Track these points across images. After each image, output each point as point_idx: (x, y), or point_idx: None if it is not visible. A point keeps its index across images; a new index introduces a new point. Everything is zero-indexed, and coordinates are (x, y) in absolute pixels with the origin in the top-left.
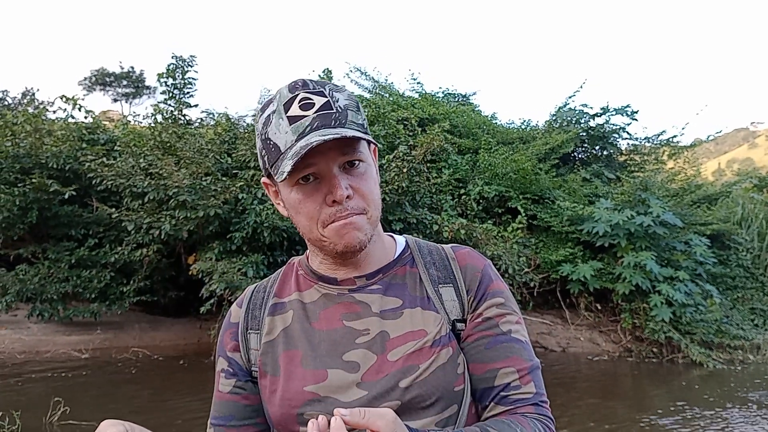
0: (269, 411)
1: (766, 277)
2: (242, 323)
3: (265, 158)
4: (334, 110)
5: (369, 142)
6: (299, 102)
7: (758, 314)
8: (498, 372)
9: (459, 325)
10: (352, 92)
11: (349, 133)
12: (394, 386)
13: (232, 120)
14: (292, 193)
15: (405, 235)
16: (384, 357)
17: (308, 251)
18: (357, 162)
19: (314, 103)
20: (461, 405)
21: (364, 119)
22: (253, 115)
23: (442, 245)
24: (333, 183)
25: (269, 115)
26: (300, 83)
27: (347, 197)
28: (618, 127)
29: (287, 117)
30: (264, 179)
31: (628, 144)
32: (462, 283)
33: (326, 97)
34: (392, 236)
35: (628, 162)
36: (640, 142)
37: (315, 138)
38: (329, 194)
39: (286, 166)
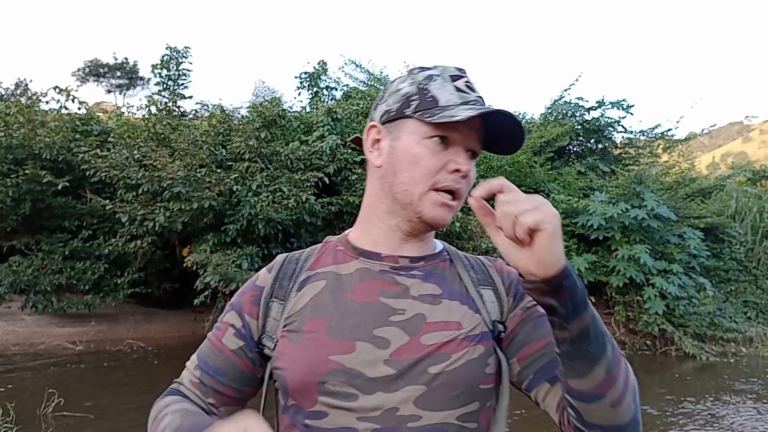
0: (285, 378)
1: (759, 270)
2: (268, 289)
3: (413, 103)
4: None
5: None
6: (464, 82)
7: (751, 307)
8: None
9: (499, 326)
10: None
11: (520, 124)
12: (423, 370)
13: (227, 112)
14: (417, 145)
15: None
16: (417, 339)
17: (350, 230)
18: (476, 156)
19: (475, 90)
20: (483, 404)
21: None
22: (248, 107)
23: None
24: (462, 155)
25: (432, 75)
26: (464, 70)
27: (465, 174)
28: (613, 120)
29: (454, 86)
30: (375, 123)
31: (623, 137)
32: (501, 286)
33: (480, 94)
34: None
35: (622, 155)
36: (635, 136)
37: (495, 108)
38: (453, 162)
39: (464, 113)
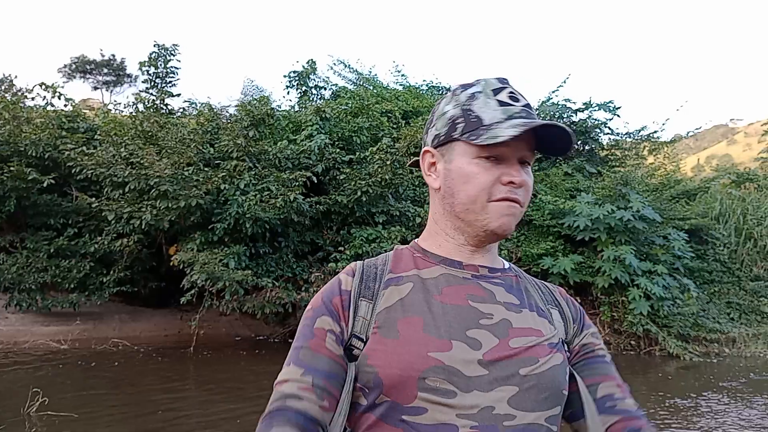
0: (380, 374)
1: (742, 272)
2: (355, 290)
3: (459, 126)
4: (534, 111)
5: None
6: (508, 93)
7: (734, 308)
8: (598, 386)
9: (565, 346)
10: None
11: (567, 129)
12: (514, 372)
13: (215, 110)
14: (469, 165)
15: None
16: (506, 342)
17: (419, 240)
18: (528, 164)
19: (520, 99)
20: (562, 408)
21: None
22: (236, 106)
23: (533, 278)
24: (515, 167)
25: (474, 93)
26: (506, 80)
27: (520, 185)
28: (600, 122)
29: (497, 100)
30: (428, 148)
31: (610, 139)
32: (567, 311)
33: (527, 101)
34: None
35: (609, 157)
36: (622, 138)
37: (539, 122)
38: (506, 175)
39: (507, 132)
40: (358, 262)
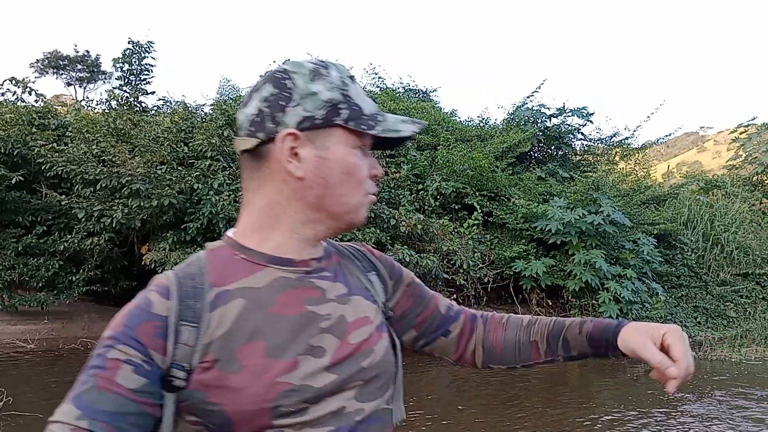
0: (227, 411)
1: (709, 277)
2: (174, 314)
3: (343, 112)
4: None
5: None
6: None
7: (701, 312)
8: (438, 304)
9: (388, 306)
10: None
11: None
12: (359, 368)
13: (190, 108)
14: (350, 156)
15: None
16: (345, 340)
17: (236, 236)
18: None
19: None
20: (395, 382)
21: None
22: (212, 105)
23: (343, 243)
24: (375, 161)
25: (343, 78)
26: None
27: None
28: (573, 127)
29: (362, 89)
30: (293, 131)
31: (583, 144)
32: (383, 270)
33: None
34: None
35: (581, 162)
36: (594, 143)
37: (407, 124)
38: (374, 168)
39: (405, 126)
40: (169, 273)
